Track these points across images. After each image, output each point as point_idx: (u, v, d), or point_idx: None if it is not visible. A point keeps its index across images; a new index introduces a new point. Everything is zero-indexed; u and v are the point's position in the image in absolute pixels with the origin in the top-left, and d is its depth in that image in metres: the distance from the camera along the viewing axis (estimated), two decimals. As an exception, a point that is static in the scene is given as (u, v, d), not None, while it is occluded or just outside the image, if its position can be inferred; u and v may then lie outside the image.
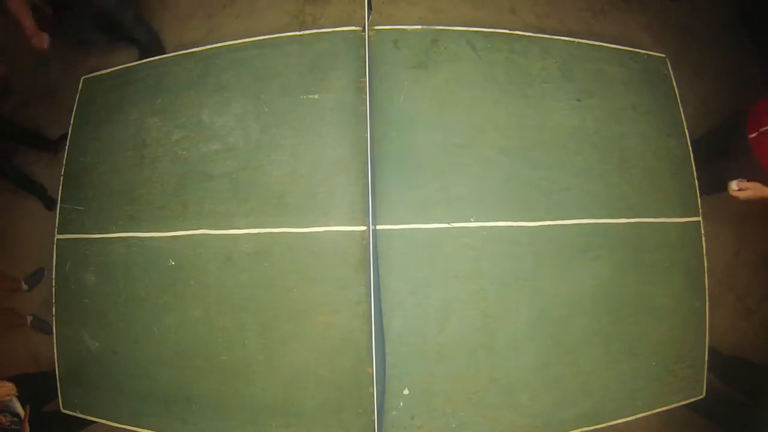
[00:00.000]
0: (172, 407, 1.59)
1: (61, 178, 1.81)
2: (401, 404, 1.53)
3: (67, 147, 1.84)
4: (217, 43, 1.83)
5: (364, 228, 1.59)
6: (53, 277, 1.74)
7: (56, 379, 1.69)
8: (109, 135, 1.81)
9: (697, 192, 1.71)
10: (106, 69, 1.93)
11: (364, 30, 1.71)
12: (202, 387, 1.59)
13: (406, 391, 1.53)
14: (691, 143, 1.74)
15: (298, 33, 1.81)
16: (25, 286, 2.34)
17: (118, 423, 1.63)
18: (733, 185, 1.56)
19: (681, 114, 1.77)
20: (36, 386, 1.75)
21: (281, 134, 1.70)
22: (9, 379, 1.63)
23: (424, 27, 1.80)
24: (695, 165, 1.73)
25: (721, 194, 2.02)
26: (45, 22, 1.96)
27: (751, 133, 1.77)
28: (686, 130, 1.76)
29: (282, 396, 1.55)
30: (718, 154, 2.10)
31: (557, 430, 1.55)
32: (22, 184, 2.36)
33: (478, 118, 1.70)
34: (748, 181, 1.55)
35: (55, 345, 1.71)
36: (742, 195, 1.56)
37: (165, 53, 2.42)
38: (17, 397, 1.60)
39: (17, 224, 2.41)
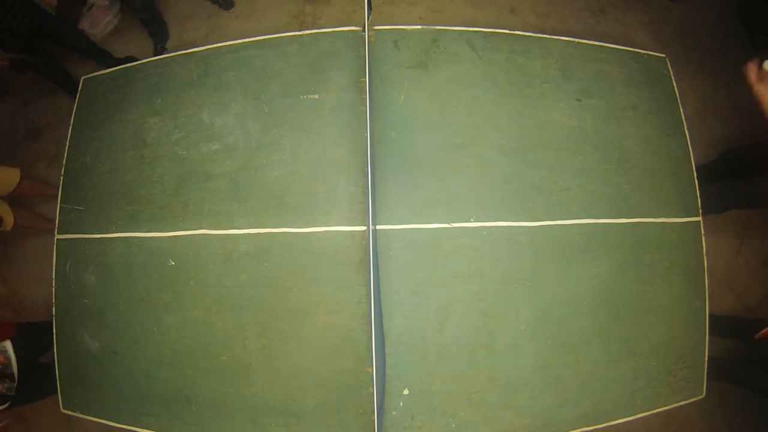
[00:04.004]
0: (172, 407, 1.59)
1: (61, 178, 1.81)
2: (401, 404, 1.53)
3: (67, 147, 1.84)
4: (217, 43, 1.83)
5: (364, 228, 1.59)
6: (53, 277, 1.74)
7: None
8: (109, 135, 1.81)
9: (697, 192, 1.71)
10: (106, 69, 1.93)
11: (364, 30, 1.71)
12: (202, 387, 1.59)
13: (406, 391, 1.53)
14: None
15: (298, 33, 1.81)
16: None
17: (118, 423, 1.63)
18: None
19: (681, 114, 1.77)
20: (32, 336, 1.82)
21: (281, 134, 1.70)
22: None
23: (424, 27, 1.80)
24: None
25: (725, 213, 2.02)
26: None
27: None
28: (686, 130, 1.76)
29: (282, 396, 1.55)
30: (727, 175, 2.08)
31: (557, 430, 1.54)
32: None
33: (478, 118, 1.70)
34: None
35: (55, 345, 1.71)
36: None
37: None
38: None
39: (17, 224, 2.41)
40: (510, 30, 1.81)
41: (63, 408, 1.69)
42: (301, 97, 1.73)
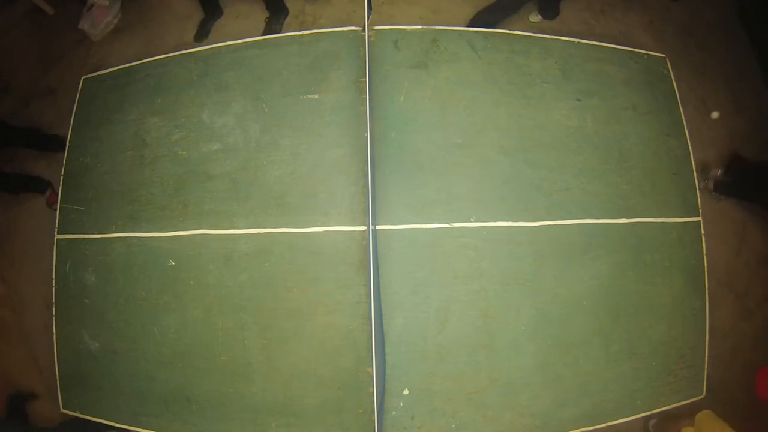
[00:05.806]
0: (171, 407, 1.59)
1: (61, 178, 1.81)
2: (401, 404, 1.53)
3: (67, 147, 1.84)
4: (217, 43, 1.83)
5: (364, 228, 1.59)
6: (53, 277, 1.74)
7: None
8: (109, 135, 1.81)
9: (698, 192, 1.71)
10: (106, 69, 1.93)
11: (364, 30, 1.71)
12: (202, 387, 1.59)
13: (406, 391, 1.53)
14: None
15: (298, 33, 1.81)
16: None
17: (118, 423, 1.63)
18: None
19: (681, 114, 1.77)
20: None
21: (281, 134, 1.70)
22: None
23: (424, 27, 1.80)
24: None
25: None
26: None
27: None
28: (686, 130, 1.76)
29: (282, 396, 1.55)
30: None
31: (557, 430, 1.54)
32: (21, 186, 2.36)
33: (478, 118, 1.70)
34: None
35: (55, 345, 1.71)
36: None
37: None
38: None
39: (17, 224, 2.41)
40: (510, 30, 1.81)
41: (63, 408, 1.69)
42: (301, 97, 1.73)
